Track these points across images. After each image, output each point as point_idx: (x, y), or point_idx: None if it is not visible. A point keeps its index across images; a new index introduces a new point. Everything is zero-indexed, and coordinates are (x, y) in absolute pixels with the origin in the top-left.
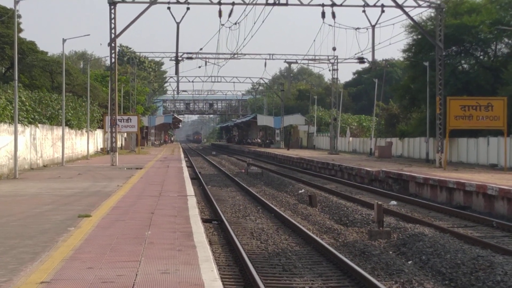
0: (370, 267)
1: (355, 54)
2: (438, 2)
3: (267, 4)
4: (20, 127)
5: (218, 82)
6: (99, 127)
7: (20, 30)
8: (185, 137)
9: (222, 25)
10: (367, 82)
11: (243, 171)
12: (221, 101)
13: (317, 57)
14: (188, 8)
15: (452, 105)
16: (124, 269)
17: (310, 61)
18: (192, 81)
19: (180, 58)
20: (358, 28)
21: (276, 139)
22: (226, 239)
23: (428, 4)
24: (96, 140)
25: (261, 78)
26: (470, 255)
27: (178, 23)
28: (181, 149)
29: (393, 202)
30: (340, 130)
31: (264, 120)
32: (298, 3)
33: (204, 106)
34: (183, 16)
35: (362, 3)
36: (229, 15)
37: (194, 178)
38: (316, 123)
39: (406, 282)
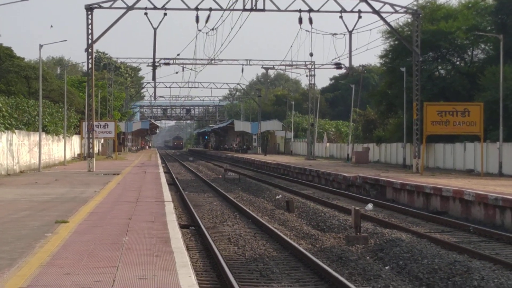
0: (347, 272)
1: (332, 59)
2: (415, 8)
3: (244, 9)
4: None
5: (195, 87)
6: (76, 133)
7: None
8: (163, 143)
9: (199, 30)
10: (344, 87)
11: (220, 177)
12: (198, 107)
13: (294, 63)
14: (165, 14)
15: (429, 111)
16: (102, 275)
17: (287, 67)
18: (169, 87)
19: (157, 64)
20: (335, 34)
21: (254, 145)
22: (204, 245)
23: (405, 10)
24: (73, 146)
25: (238, 84)
26: (447, 260)
27: (155, 29)
28: (158, 155)
29: (370, 206)
30: (317, 136)
31: (241, 125)
32: (275, 8)
33: (181, 112)
34: (160, 22)
35: (339, 9)
36: (206, 21)
37: (172, 183)
38: (293, 128)
39: (384, 287)
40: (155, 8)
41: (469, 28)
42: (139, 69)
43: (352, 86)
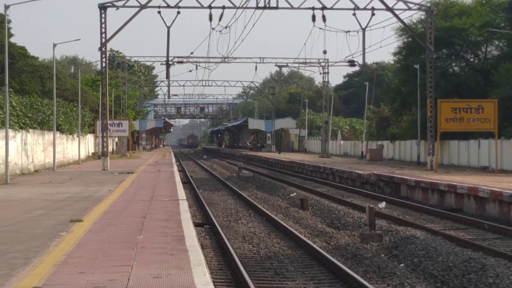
0: (362, 270)
1: (346, 57)
2: (428, 4)
3: (257, 7)
4: (11, 132)
5: (209, 86)
6: (90, 132)
7: (10, 35)
8: (178, 142)
9: (213, 29)
10: (358, 85)
11: (234, 175)
12: (212, 105)
13: (307, 61)
14: (178, 12)
15: (443, 108)
16: (116, 274)
17: (300, 65)
18: (183, 85)
19: (170, 62)
20: (348, 31)
21: (267, 143)
22: (218, 243)
23: (418, 7)
24: (87, 144)
25: (252, 82)
26: (462, 258)
27: (168, 27)
28: (172, 154)
29: (382, 204)
30: (331, 134)
31: (255, 123)
32: (289, 6)
33: (195, 110)
34: (173, 20)
35: (353, 6)
36: (220, 19)
37: (186, 182)
38: (307, 126)
39: (398, 285)
40: (168, 6)
41: (482, 25)
42: (153, 68)
43: (366, 84)
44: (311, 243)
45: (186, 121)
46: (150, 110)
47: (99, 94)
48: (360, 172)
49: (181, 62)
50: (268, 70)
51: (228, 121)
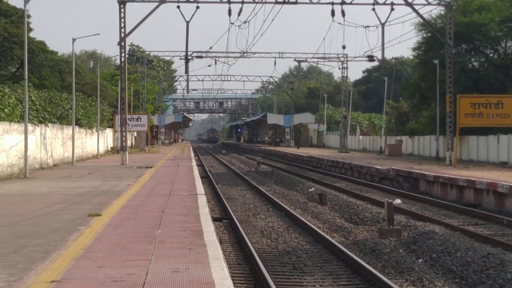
0: (380, 265)
1: (365, 52)
2: (448, 0)
3: (276, 2)
4: (30, 127)
5: (227, 81)
6: (109, 126)
7: (29, 30)
8: (197, 136)
9: (232, 23)
10: (377, 80)
11: (253, 169)
12: (231, 100)
13: (326, 56)
14: (197, 7)
15: (462, 103)
16: (135, 268)
17: (319, 60)
18: (202, 80)
19: (189, 57)
20: (367, 26)
21: (286, 138)
22: (236, 238)
23: (438, 2)
24: (106, 139)
25: (270, 77)
26: (481, 253)
27: (187, 22)
28: (191, 148)
29: (397, 201)
30: (350, 129)
31: (274, 118)
32: (308, 1)
33: (214, 105)
34: (192, 15)
35: (372, 1)
36: (239, 14)
37: (204, 177)
38: (326, 121)
39: (417, 280)
40: (187, 1)
41: (502, 20)
42: (172, 62)
43: (385, 79)
44: (329, 238)
45: (205, 116)
46: (169, 105)
47: (118, 89)
48: (378, 167)
49: (200, 57)
50: (287, 65)
51: (246, 116)
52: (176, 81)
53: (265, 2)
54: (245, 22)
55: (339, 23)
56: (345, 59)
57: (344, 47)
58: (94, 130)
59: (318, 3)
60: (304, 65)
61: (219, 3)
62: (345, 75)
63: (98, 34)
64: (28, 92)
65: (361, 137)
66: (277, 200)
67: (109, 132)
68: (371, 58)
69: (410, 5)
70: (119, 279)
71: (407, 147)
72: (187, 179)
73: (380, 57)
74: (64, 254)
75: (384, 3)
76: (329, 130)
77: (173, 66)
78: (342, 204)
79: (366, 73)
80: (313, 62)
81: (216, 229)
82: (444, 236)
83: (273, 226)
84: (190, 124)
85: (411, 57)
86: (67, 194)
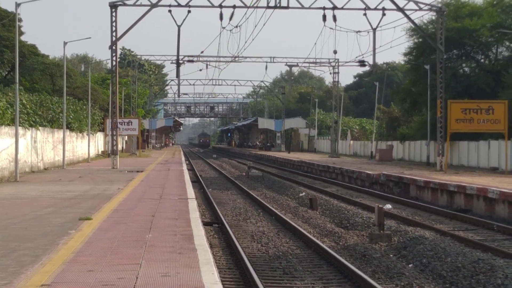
0: (370, 270)
1: (356, 57)
2: (439, 5)
3: (268, 7)
4: (21, 130)
5: (219, 85)
6: (100, 130)
7: (21, 33)
8: (188, 140)
9: (223, 28)
10: (368, 85)
11: (243, 174)
12: (222, 104)
13: (318, 60)
14: (189, 11)
15: (453, 108)
16: (125, 272)
17: (311, 64)
18: (193, 84)
19: (181, 61)
20: (359, 31)
21: (277, 142)
22: (227, 242)
23: (429, 7)
24: (97, 143)
25: (262, 81)
26: (471, 258)
27: (179, 26)
28: (182, 153)
29: (388, 206)
30: (341, 133)
31: (265, 123)
32: (299, 6)
33: (205, 109)
34: (184, 19)
35: (363, 6)
36: (230, 18)
37: (195, 181)
38: (317, 126)
39: (407, 285)
40: (179, 5)
41: (493, 26)
42: (163, 67)
43: (376, 84)
44: (320, 242)
45: (196, 120)
46: (160, 109)
47: (109, 93)
48: (369, 172)
49: (192, 61)
50: (278, 69)
51: (238, 120)
52: (167, 85)
53: (257, 7)
54: (236, 26)
55: (330, 28)
56: (337, 64)
57: (335, 52)
58: (85, 133)
59: (309, 7)
60: (295, 70)
61: (210, 8)
62: (336, 80)
63: (90, 37)
64: (19, 95)
65: (352, 142)
66: (267, 205)
67: (100, 136)
68: (362, 63)
69: (402, 10)
70: (109, 283)
71: (398, 152)
72: (178, 183)
73: (371, 62)
74: (54, 258)
75: (375, 8)
76: (320, 135)
77: (164, 70)
78: (332, 209)
79: (357, 78)
80: (304, 66)
81: (206, 233)
82: (434, 241)
83: (264, 230)
84: (181, 128)
85: (402, 62)
86: (57, 198)
